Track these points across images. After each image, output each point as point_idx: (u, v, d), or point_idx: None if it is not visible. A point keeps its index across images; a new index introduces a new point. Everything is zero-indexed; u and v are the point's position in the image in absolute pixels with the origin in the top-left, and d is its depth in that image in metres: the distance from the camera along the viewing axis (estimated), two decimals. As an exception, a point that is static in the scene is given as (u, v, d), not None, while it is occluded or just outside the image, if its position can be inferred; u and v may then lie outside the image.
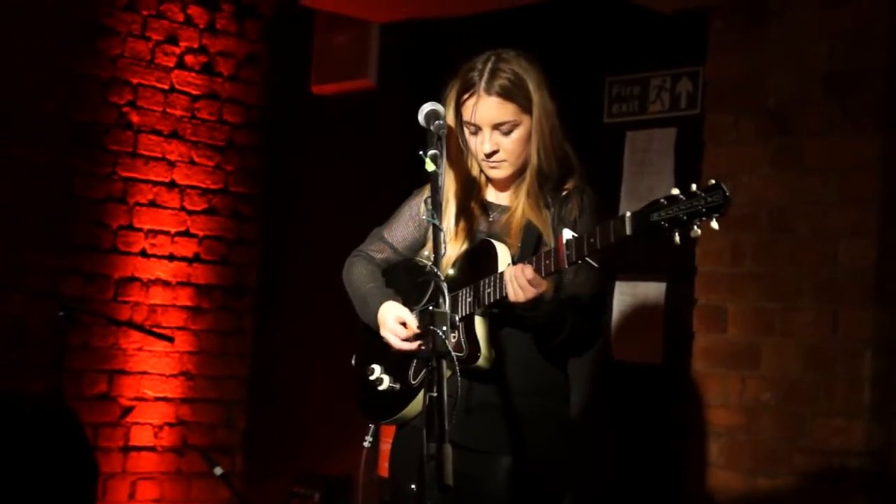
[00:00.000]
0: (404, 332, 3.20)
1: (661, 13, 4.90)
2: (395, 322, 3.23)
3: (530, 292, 2.95)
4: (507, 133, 3.18)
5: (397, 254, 3.45)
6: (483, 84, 3.16)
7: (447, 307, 2.72)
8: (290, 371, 6.42)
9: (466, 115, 3.20)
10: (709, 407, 4.63)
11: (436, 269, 2.76)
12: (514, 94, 3.16)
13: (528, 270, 2.94)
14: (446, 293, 2.75)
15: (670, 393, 4.82)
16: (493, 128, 3.17)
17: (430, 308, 2.72)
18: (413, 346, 3.19)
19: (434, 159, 2.92)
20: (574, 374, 3.35)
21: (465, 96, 3.20)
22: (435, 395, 2.60)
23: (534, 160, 3.20)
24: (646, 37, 5.07)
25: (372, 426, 3.37)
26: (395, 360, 3.30)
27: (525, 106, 3.17)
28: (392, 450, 3.39)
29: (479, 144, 3.20)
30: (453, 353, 2.72)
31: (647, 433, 4.88)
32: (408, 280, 3.32)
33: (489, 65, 3.18)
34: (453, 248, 3.25)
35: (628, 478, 4.92)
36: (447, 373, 2.66)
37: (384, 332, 3.25)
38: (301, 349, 6.37)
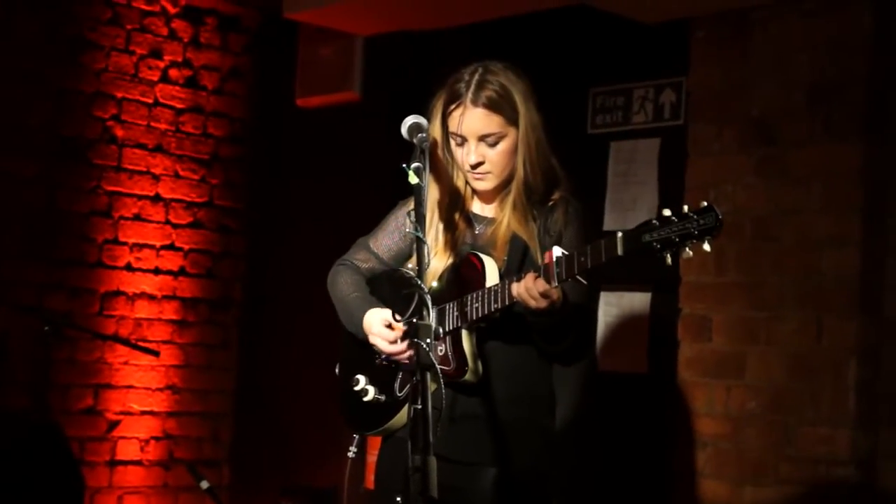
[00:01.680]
0: (392, 335, 3.20)
1: (644, 24, 4.92)
2: (382, 325, 3.22)
3: (544, 302, 2.95)
4: (493, 145, 3.18)
5: (382, 264, 3.44)
6: (470, 95, 3.16)
7: (432, 320, 2.73)
8: (276, 384, 6.41)
9: (452, 127, 3.20)
10: (694, 416, 4.64)
11: (419, 282, 2.76)
12: (500, 106, 3.16)
13: (541, 283, 2.93)
14: (430, 306, 2.75)
15: (656, 402, 4.83)
16: (479, 139, 3.17)
17: (415, 321, 2.72)
18: (402, 347, 3.17)
19: (417, 172, 2.92)
20: (562, 386, 3.35)
21: (452, 107, 3.20)
22: (419, 407, 2.61)
23: (520, 172, 3.20)
24: (629, 48, 5.09)
25: (356, 437, 3.37)
26: (380, 371, 3.30)
27: (511, 118, 3.17)
28: (378, 462, 3.39)
29: (465, 156, 3.20)
30: (439, 367, 2.72)
31: (633, 443, 4.89)
32: (392, 291, 3.31)
33: (476, 76, 3.19)
34: (439, 260, 3.25)
35: (615, 488, 4.92)
36: (432, 386, 2.66)
37: (372, 339, 3.25)
38: (287, 362, 6.36)
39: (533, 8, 5.15)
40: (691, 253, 2.73)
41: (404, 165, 2.94)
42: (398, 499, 2.93)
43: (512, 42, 5.31)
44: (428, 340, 2.68)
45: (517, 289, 2.97)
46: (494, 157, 3.19)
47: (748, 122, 4.61)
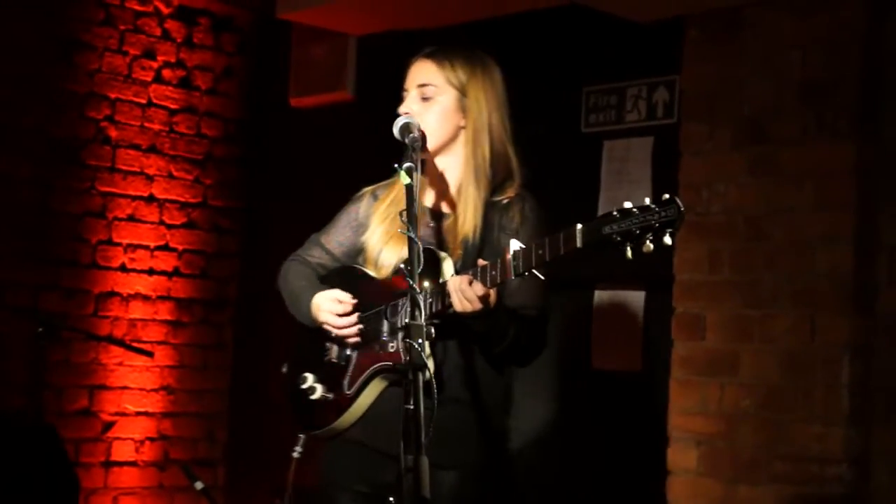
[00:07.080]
0: (341, 308, 3.18)
1: (636, 23, 4.92)
2: (332, 301, 3.21)
3: (477, 304, 2.92)
4: (427, 98, 3.21)
5: (334, 259, 3.43)
6: (422, 53, 3.26)
7: (423, 320, 2.72)
8: (271, 384, 6.40)
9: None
10: (688, 414, 4.64)
11: (412, 282, 2.75)
12: (446, 66, 3.21)
13: (478, 287, 2.90)
14: (422, 306, 2.74)
15: (650, 401, 4.83)
16: (418, 87, 3.22)
17: (407, 321, 2.72)
18: (352, 321, 3.16)
19: (409, 172, 2.92)
20: (543, 385, 3.34)
21: (406, 71, 3.27)
22: (412, 407, 2.60)
23: (469, 156, 3.20)
24: (622, 47, 5.09)
25: (302, 437, 3.34)
26: (328, 370, 3.28)
27: (455, 83, 3.21)
28: (324, 462, 3.35)
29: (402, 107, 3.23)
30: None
31: (627, 441, 4.89)
32: (344, 286, 3.28)
33: (434, 48, 3.28)
34: (392, 252, 3.23)
35: (609, 487, 4.92)
36: (412, 385, 2.65)
37: (322, 316, 3.23)
38: (282, 362, 6.35)
39: (526, 7, 5.16)
40: (652, 247, 2.66)
41: (396, 165, 2.94)
42: (391, 499, 2.92)
43: (505, 41, 5.30)
44: (420, 341, 2.67)
45: (450, 286, 2.95)
46: (427, 116, 3.18)
47: (741, 120, 4.61)
